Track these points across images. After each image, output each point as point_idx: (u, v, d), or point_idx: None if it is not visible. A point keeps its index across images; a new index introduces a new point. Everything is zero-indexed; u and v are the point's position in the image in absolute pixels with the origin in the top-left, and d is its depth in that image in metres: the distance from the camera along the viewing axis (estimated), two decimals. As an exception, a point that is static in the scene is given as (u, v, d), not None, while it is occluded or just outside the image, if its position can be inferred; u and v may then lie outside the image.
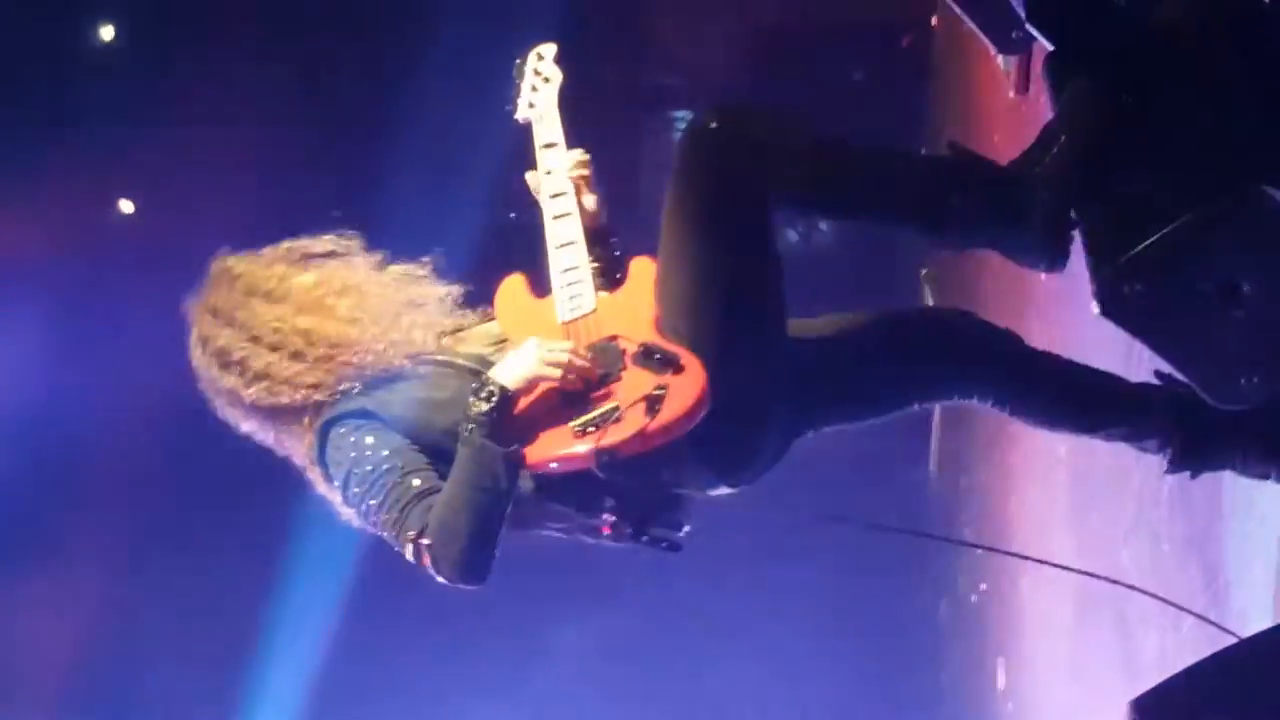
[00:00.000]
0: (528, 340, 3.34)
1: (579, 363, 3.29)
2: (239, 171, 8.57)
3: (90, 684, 9.12)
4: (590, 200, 3.59)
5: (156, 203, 9.26)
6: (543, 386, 3.30)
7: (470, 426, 3.24)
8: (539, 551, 3.50)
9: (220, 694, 8.83)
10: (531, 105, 3.72)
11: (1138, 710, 2.75)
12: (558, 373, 3.28)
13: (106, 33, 9.22)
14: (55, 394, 8.68)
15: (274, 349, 3.46)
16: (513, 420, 3.27)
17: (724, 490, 3.45)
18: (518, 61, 3.80)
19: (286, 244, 3.61)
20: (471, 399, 3.25)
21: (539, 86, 3.74)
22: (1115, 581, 3.72)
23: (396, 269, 3.62)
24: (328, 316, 3.49)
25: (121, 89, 8.88)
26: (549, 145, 3.63)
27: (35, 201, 8.62)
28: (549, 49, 3.82)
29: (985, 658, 7.75)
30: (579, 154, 3.61)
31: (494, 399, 3.24)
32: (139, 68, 9.04)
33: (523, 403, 3.29)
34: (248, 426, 3.54)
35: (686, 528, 3.38)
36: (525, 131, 3.71)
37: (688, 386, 3.23)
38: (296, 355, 3.45)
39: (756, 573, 9.24)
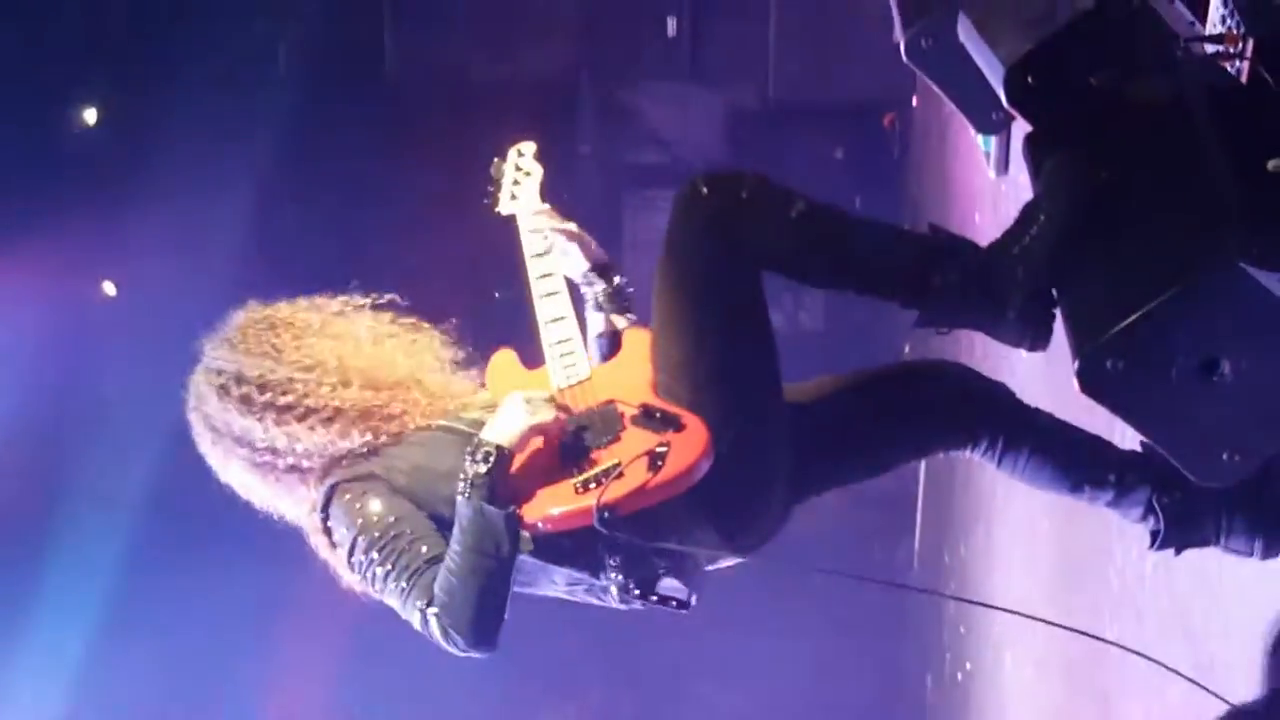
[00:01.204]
0: (510, 395, 3.36)
1: (566, 406, 3.33)
2: (226, 248, 8.58)
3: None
4: (584, 241, 3.65)
5: (140, 283, 9.27)
6: (536, 444, 3.31)
7: (468, 490, 3.24)
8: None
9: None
10: (514, 198, 3.81)
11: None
12: (549, 416, 3.30)
13: (90, 116, 9.25)
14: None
15: (298, 402, 3.48)
16: (511, 481, 3.28)
17: (729, 558, 3.46)
18: (495, 160, 3.90)
19: (305, 300, 3.66)
20: (467, 461, 3.26)
21: (521, 180, 3.84)
22: (1107, 642, 3.72)
23: (401, 324, 3.68)
24: (346, 383, 3.53)
25: (105, 170, 8.91)
26: (535, 230, 3.70)
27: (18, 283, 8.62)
28: (528, 146, 3.93)
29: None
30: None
31: (490, 459, 3.25)
32: (121, 148, 9.07)
33: (520, 462, 3.30)
34: (246, 483, 3.55)
35: (695, 597, 3.39)
36: (510, 221, 3.79)
37: (691, 442, 3.26)
38: (359, 401, 3.49)
39: (741, 644, 9.21)
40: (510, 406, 3.33)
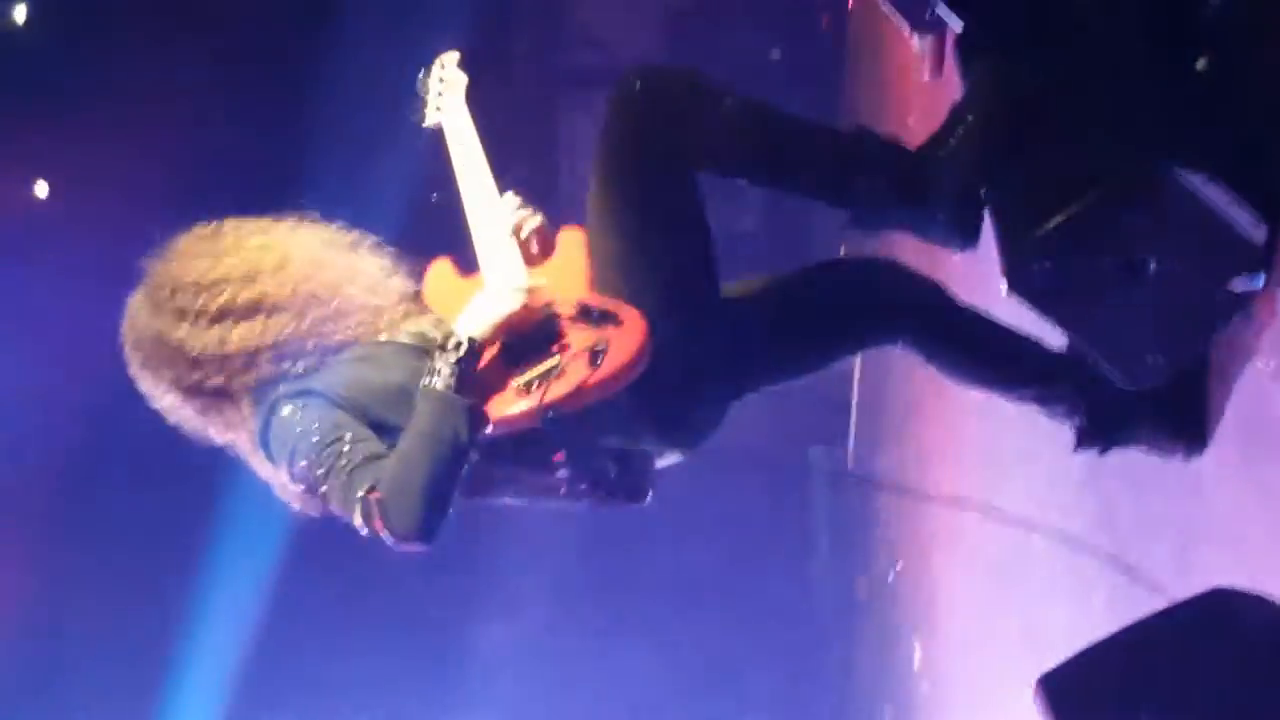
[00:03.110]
0: (485, 289, 3.36)
1: (541, 295, 3.32)
2: (157, 159, 8.46)
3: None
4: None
5: (74, 184, 9.15)
6: (487, 352, 3.29)
7: (433, 380, 3.22)
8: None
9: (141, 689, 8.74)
10: (439, 109, 3.78)
11: (1045, 685, 2.78)
12: (518, 305, 3.28)
13: (19, 13, 9.10)
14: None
15: (229, 304, 3.44)
16: (475, 377, 3.26)
17: (670, 456, 3.48)
18: (421, 75, 3.86)
19: (238, 221, 3.61)
20: (436, 354, 3.25)
21: (444, 91, 3.80)
22: (1041, 532, 3.75)
23: (345, 241, 3.64)
24: (280, 287, 3.48)
25: (37, 70, 8.77)
26: (461, 139, 3.68)
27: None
28: (451, 56, 3.89)
29: (902, 636, 7.79)
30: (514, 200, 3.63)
31: (461, 349, 3.24)
32: (55, 48, 8.92)
33: (483, 361, 3.29)
34: (184, 412, 3.51)
35: (650, 491, 3.42)
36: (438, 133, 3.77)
37: (629, 337, 3.26)
38: (253, 311, 3.45)
39: (671, 546, 9.24)
40: (481, 300, 3.33)
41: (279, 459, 3.35)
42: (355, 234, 3.66)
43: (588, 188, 3.44)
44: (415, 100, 3.84)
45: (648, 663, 9.49)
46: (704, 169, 3.36)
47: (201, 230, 3.58)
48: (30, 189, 9.21)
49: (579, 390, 3.21)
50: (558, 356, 3.25)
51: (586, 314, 3.31)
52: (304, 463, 3.28)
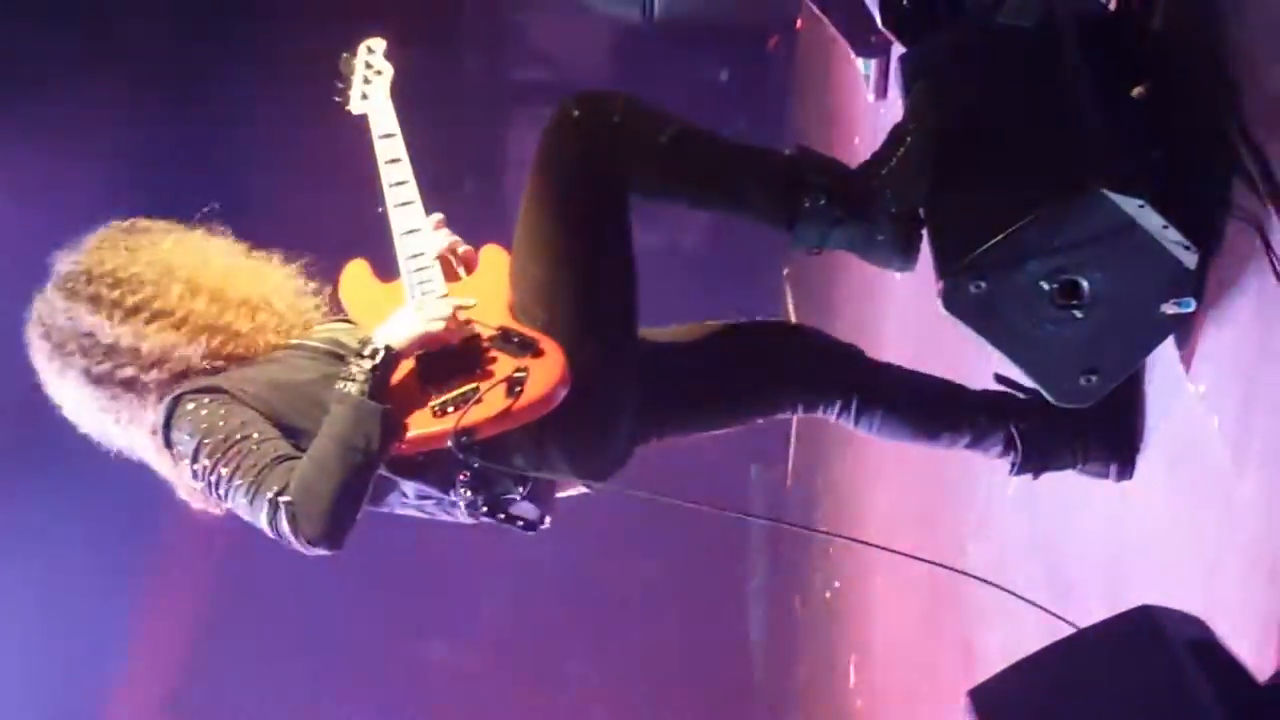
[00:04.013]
0: (408, 305, 3.35)
1: (463, 316, 3.31)
2: (89, 160, 8.40)
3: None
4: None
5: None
6: (402, 368, 3.28)
7: (347, 385, 3.20)
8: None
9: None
10: (365, 97, 3.77)
11: (975, 698, 2.80)
12: (441, 325, 3.27)
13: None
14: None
15: (146, 302, 3.44)
16: (386, 390, 3.25)
17: (575, 487, 3.47)
18: (345, 55, 3.85)
19: (151, 221, 3.61)
20: (353, 360, 3.23)
21: (371, 79, 3.80)
22: (961, 572, 3.78)
23: (255, 254, 3.64)
24: (195, 292, 3.48)
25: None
26: (386, 135, 3.67)
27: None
28: (378, 43, 3.89)
29: (838, 654, 7.82)
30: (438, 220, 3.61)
31: (377, 356, 3.22)
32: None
33: (397, 375, 3.27)
34: (88, 406, 3.48)
35: (548, 519, 3.40)
36: (362, 121, 3.74)
37: (548, 369, 3.26)
38: (160, 315, 3.43)
39: (612, 565, 9.25)
40: (405, 314, 3.32)
41: (181, 455, 3.30)
42: (264, 254, 3.66)
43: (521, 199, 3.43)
44: (339, 83, 3.82)
45: (586, 678, 9.50)
46: (641, 194, 3.36)
47: (117, 225, 3.58)
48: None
49: (495, 418, 3.21)
50: (476, 382, 3.25)
51: (507, 339, 3.31)
52: (207, 460, 3.23)
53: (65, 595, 8.25)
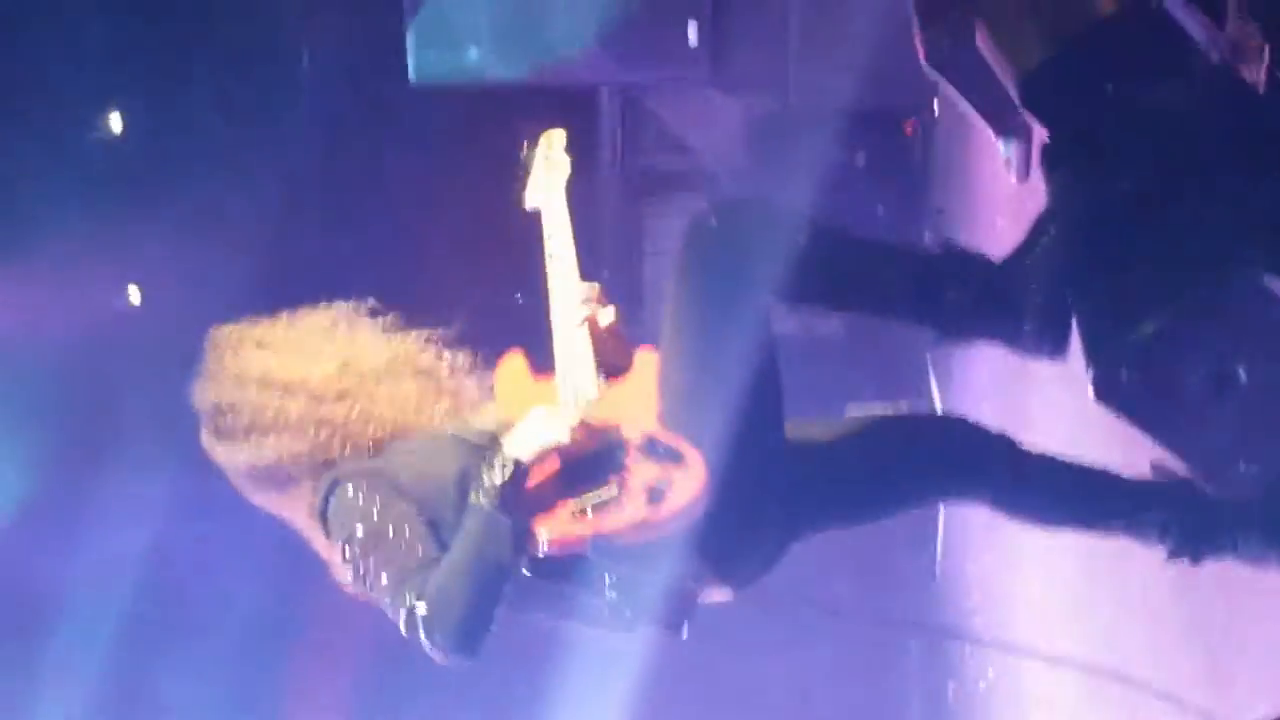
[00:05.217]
0: (533, 410, 3.34)
1: (588, 426, 3.30)
2: (240, 253, 8.54)
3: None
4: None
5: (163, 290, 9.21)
6: (545, 469, 3.28)
7: (480, 498, 3.22)
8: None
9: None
10: (542, 191, 3.76)
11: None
12: (565, 437, 3.26)
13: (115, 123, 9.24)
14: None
15: (287, 402, 3.51)
16: (521, 497, 3.26)
17: (720, 592, 3.45)
18: (525, 144, 3.83)
19: (291, 314, 3.67)
20: (484, 470, 3.25)
21: (548, 173, 3.78)
22: (1115, 677, 3.71)
23: (410, 336, 3.69)
24: (347, 379, 3.55)
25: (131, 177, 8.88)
26: (558, 231, 3.66)
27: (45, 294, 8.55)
28: (559, 136, 3.85)
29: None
30: (591, 288, 3.60)
31: (507, 470, 3.23)
32: (147, 155, 9.04)
33: (531, 479, 3.27)
34: (256, 491, 3.57)
35: (687, 626, 3.38)
36: (535, 217, 3.73)
37: (690, 481, 3.24)
38: (310, 412, 3.51)
39: (759, 665, 9.18)
40: (533, 422, 3.31)
41: (336, 538, 3.37)
42: (398, 328, 3.71)
43: (663, 310, 3.43)
44: (517, 176, 3.79)
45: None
46: (781, 299, 3.37)
47: (216, 335, 3.64)
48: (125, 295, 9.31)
49: (634, 526, 3.20)
50: (616, 487, 3.24)
51: (652, 447, 3.29)
52: (358, 550, 3.30)
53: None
